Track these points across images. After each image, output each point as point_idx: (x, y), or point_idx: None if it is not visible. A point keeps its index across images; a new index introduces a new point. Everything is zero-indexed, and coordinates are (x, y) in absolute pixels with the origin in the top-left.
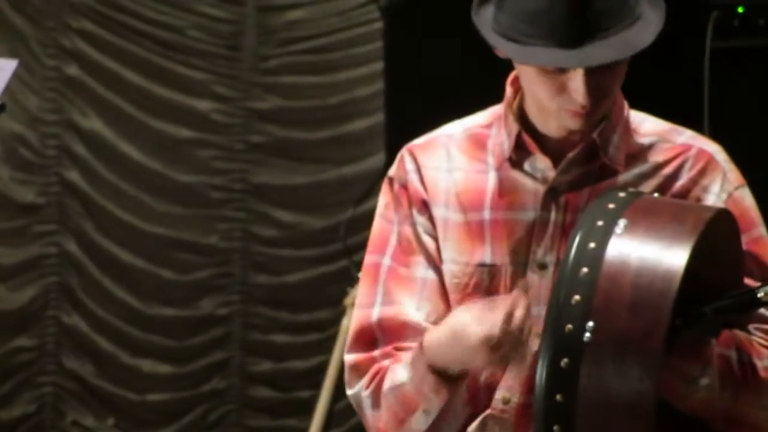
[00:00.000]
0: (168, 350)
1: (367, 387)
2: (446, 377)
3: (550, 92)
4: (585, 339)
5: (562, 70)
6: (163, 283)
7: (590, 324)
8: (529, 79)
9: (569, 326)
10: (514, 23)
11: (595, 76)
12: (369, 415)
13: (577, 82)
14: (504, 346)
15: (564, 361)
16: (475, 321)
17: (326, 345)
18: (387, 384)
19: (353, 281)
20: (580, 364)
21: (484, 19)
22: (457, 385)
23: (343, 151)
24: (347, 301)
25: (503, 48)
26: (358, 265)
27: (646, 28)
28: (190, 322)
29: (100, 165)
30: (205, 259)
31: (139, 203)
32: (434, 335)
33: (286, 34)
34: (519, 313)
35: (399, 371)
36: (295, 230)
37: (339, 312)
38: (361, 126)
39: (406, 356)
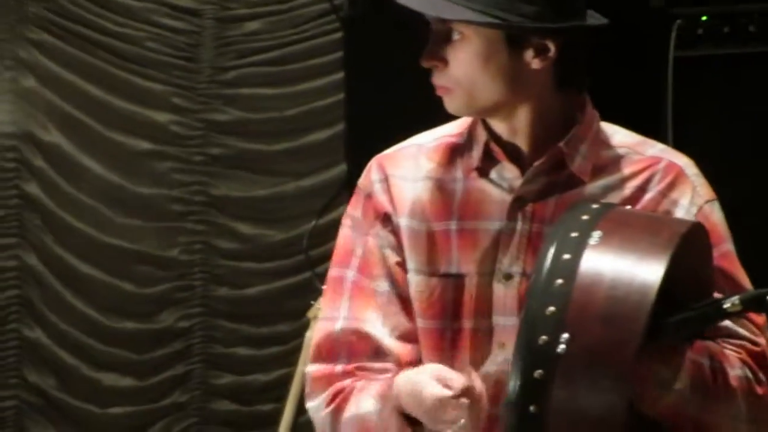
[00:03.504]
0: (130, 363)
1: (327, 406)
2: (413, 419)
3: None
4: (559, 350)
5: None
6: (124, 296)
7: (564, 335)
8: None
9: (543, 337)
10: None
11: (433, 40)
12: None
13: None
14: (456, 414)
15: (538, 372)
16: (432, 380)
17: (288, 358)
18: (350, 411)
19: (316, 294)
20: (554, 375)
21: None
22: (422, 428)
23: (303, 163)
24: (310, 313)
25: None
26: (321, 278)
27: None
28: (152, 335)
29: (60, 177)
30: (166, 272)
31: (99, 216)
32: (402, 381)
33: (244, 45)
34: (477, 390)
35: (365, 401)
36: (256, 243)
37: (301, 325)
38: (321, 137)
39: (374, 387)
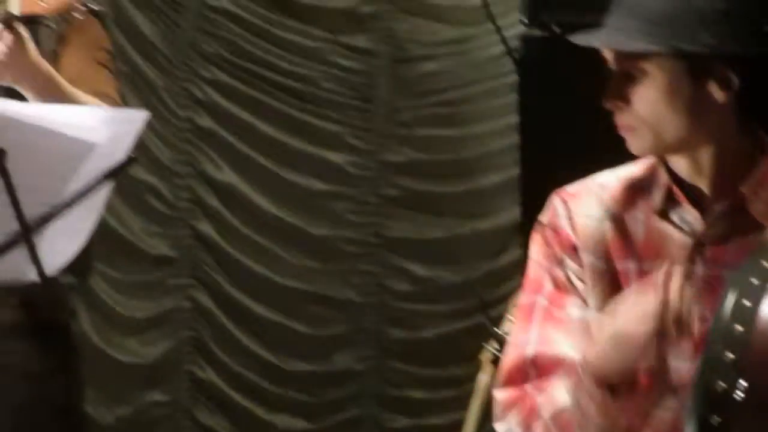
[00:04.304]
0: (303, 405)
1: (521, 422)
2: (611, 392)
3: None
4: (737, 398)
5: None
6: (297, 337)
7: (743, 383)
8: None
9: (721, 384)
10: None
11: (615, 80)
12: None
13: None
14: (667, 324)
15: (714, 419)
16: (634, 318)
17: (463, 401)
18: (546, 413)
19: (489, 336)
20: (731, 423)
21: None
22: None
23: (478, 205)
24: (483, 356)
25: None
26: (495, 321)
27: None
28: (325, 376)
29: (233, 217)
30: (340, 313)
31: (273, 256)
32: (593, 348)
33: (420, 86)
34: (675, 285)
35: (558, 396)
36: (430, 284)
37: (475, 368)
38: (496, 180)
39: (563, 382)
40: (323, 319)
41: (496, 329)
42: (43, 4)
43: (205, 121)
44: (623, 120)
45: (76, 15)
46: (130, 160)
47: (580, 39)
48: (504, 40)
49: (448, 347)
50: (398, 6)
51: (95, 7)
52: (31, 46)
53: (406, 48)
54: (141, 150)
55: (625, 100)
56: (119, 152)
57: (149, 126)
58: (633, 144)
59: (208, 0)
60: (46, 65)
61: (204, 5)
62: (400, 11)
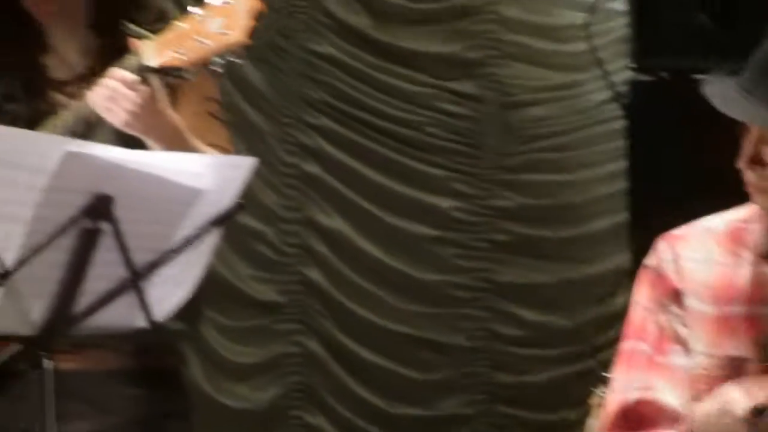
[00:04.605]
0: None
1: None
2: None
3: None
4: None
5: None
6: (406, 382)
7: None
8: None
9: None
10: None
11: (752, 143)
12: None
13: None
14: None
15: None
16: (744, 395)
17: None
18: None
19: (599, 381)
20: None
21: None
22: None
23: (586, 250)
24: (593, 401)
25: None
26: (604, 365)
27: None
28: (435, 422)
29: (341, 263)
30: (448, 358)
31: (380, 301)
32: (702, 409)
33: (528, 131)
34: None
35: None
36: (539, 329)
37: (584, 412)
38: (604, 225)
39: None
40: (431, 364)
41: (605, 374)
42: (181, 56)
43: (312, 167)
44: (755, 180)
45: (215, 68)
46: (238, 207)
47: (726, 107)
48: (612, 86)
49: (557, 392)
50: (504, 51)
51: (237, 59)
52: (163, 98)
53: (513, 93)
54: (248, 196)
55: (762, 163)
56: (227, 199)
57: (256, 172)
58: (761, 202)
59: (314, 46)
60: (175, 117)
61: (310, 52)
62: (506, 57)
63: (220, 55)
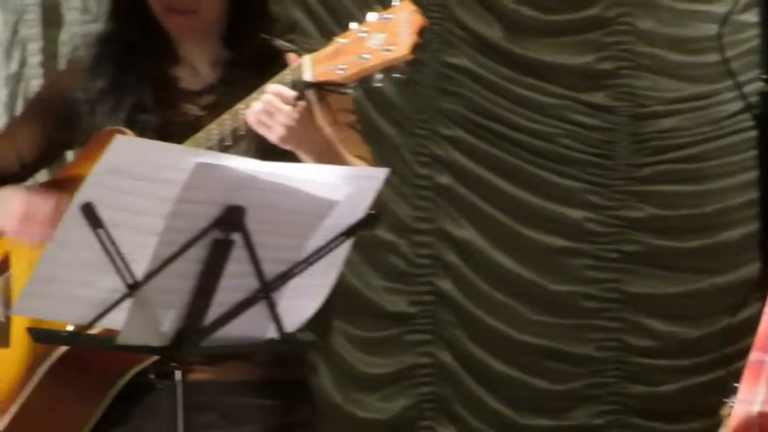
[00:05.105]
0: None
1: None
2: None
3: None
4: None
5: None
6: (537, 393)
7: None
8: None
9: None
10: None
11: None
12: None
13: None
14: None
15: None
16: None
17: None
18: None
19: (730, 392)
20: None
21: None
22: None
23: (717, 261)
24: (724, 412)
25: None
26: (735, 375)
27: None
28: None
29: (473, 274)
30: (579, 369)
31: (513, 312)
32: None
33: (660, 142)
34: None
35: None
36: (670, 340)
37: (715, 423)
38: (735, 235)
39: None
40: (562, 374)
41: (736, 384)
42: (340, 71)
43: (445, 179)
44: None
45: (376, 84)
46: (370, 218)
47: None
48: (743, 96)
49: (688, 402)
50: (637, 63)
51: (401, 74)
52: (318, 112)
53: (646, 105)
54: (381, 208)
55: None
56: (359, 210)
57: (388, 183)
58: None
59: (448, 59)
60: (328, 131)
61: (444, 64)
62: (639, 68)
63: (383, 70)
